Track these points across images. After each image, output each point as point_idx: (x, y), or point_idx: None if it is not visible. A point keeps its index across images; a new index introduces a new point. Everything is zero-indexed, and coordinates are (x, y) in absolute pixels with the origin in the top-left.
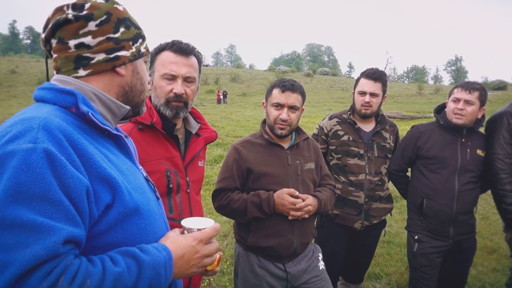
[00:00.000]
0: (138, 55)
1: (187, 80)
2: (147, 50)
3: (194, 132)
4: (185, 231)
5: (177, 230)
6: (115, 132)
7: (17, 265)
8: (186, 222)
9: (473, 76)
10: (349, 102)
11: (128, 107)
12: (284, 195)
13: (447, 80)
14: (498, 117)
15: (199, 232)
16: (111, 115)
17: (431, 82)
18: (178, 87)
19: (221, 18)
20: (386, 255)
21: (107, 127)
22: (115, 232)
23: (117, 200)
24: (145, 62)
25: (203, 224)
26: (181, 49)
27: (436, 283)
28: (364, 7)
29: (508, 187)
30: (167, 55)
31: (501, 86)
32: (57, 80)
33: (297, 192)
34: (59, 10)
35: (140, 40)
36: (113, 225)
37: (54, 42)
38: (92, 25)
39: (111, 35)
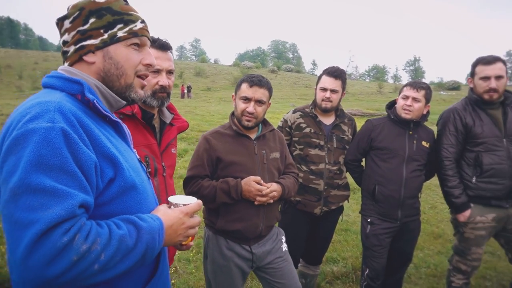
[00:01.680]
0: (111, 40)
1: (169, 72)
2: (130, 33)
3: (168, 122)
4: (172, 206)
5: (165, 205)
6: (114, 119)
7: (42, 222)
8: (173, 198)
9: (430, 76)
10: (312, 99)
11: (124, 102)
12: (251, 182)
13: (405, 79)
14: (446, 113)
15: (185, 207)
16: (109, 106)
17: (391, 81)
18: (164, 80)
19: (185, 10)
20: (343, 242)
21: (108, 114)
22: (115, 203)
23: (118, 175)
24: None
25: (188, 200)
26: (162, 45)
27: (385, 261)
28: (329, 6)
29: (450, 172)
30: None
31: (455, 86)
32: (64, 70)
33: (262, 181)
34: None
35: (119, 26)
36: (114, 197)
37: None
38: (67, 23)
39: (80, 28)
